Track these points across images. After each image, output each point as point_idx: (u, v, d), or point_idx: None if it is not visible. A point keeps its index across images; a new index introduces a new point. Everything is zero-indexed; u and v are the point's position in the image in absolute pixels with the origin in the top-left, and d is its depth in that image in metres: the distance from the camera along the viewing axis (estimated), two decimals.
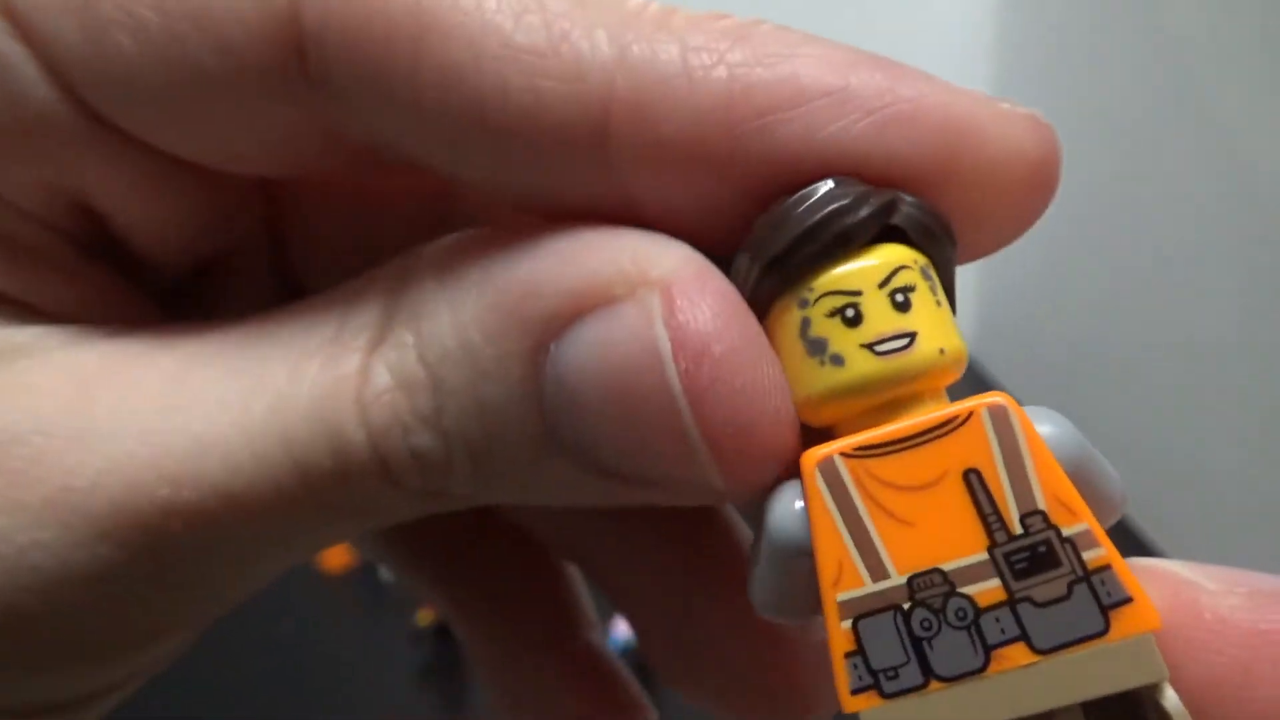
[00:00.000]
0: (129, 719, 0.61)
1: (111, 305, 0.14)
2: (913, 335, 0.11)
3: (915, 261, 0.12)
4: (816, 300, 0.11)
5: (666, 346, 0.11)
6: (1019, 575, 0.11)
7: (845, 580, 0.11)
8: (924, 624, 0.11)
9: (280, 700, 0.63)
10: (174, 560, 0.12)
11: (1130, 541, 0.77)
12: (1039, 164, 0.12)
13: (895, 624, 0.11)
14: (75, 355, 0.13)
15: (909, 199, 0.12)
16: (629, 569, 0.18)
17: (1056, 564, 0.11)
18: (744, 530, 0.18)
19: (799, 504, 0.11)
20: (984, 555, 0.11)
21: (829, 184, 0.11)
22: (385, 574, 0.76)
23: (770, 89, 0.11)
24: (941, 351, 0.12)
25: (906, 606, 0.11)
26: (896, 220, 0.11)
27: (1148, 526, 0.77)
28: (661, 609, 0.17)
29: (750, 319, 0.11)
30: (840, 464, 0.11)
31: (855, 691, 0.11)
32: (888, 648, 0.11)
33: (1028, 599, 0.10)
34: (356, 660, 0.66)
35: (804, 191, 0.11)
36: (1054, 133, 0.12)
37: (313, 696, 0.63)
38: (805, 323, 0.11)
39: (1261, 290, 0.61)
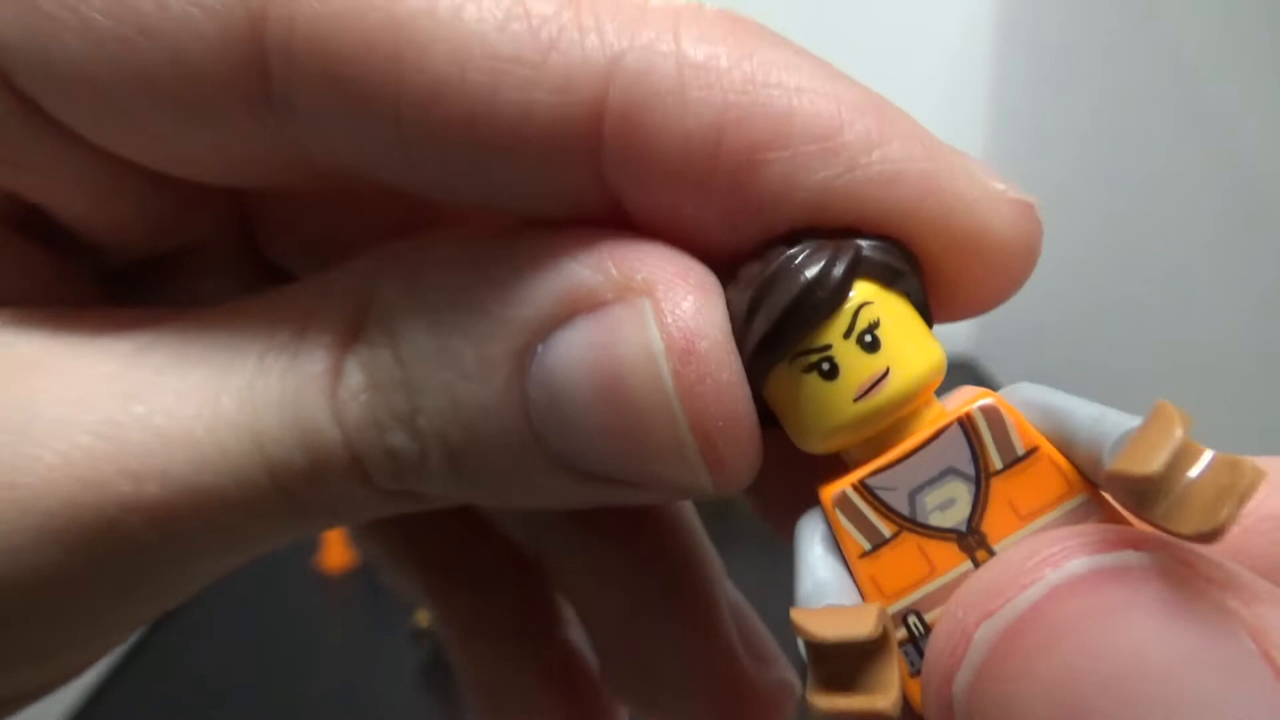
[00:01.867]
0: (128, 718, 0.61)
1: (53, 288, 0.13)
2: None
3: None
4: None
5: (660, 347, 0.11)
6: None
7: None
8: None
9: (280, 700, 0.63)
10: (132, 560, 0.12)
11: None
12: (1017, 251, 0.12)
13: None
14: (12, 341, 0.12)
15: (867, 244, 0.12)
16: (587, 574, 0.17)
17: None
18: (700, 540, 0.18)
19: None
20: None
21: (804, 250, 0.12)
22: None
23: (762, 125, 0.11)
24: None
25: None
26: (861, 272, 0.12)
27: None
28: (616, 620, 0.17)
29: (725, 314, 0.12)
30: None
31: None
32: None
33: None
34: (356, 660, 0.66)
35: (780, 263, 0.12)
36: (1038, 219, 0.12)
37: (313, 696, 0.63)
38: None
39: (1262, 290, 0.61)
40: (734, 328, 0.12)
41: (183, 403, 0.12)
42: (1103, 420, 0.11)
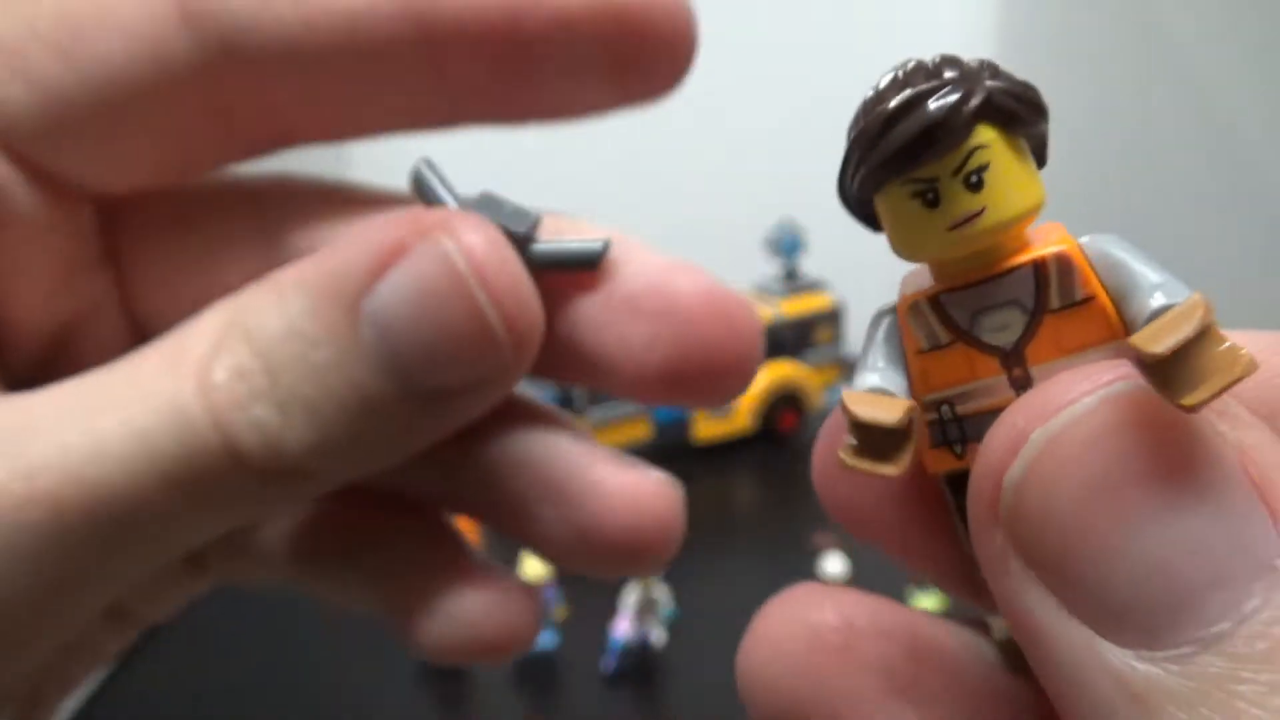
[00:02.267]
0: (128, 718, 0.61)
1: None
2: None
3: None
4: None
5: (465, 265, 0.13)
6: None
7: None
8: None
9: (280, 699, 0.63)
10: (41, 552, 0.12)
11: None
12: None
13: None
14: None
15: (999, 87, 0.14)
16: (469, 486, 0.18)
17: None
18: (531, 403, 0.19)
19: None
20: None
21: (940, 83, 0.13)
22: None
23: None
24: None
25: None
26: (985, 115, 0.13)
27: None
28: (505, 505, 0.17)
29: (506, 243, 0.14)
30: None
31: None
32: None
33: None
34: (356, 660, 0.66)
35: (916, 93, 0.13)
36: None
37: (313, 696, 0.63)
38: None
39: (1262, 290, 0.61)
40: (863, 139, 0.14)
41: (70, 416, 0.13)
42: (1157, 290, 0.14)
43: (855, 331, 1.02)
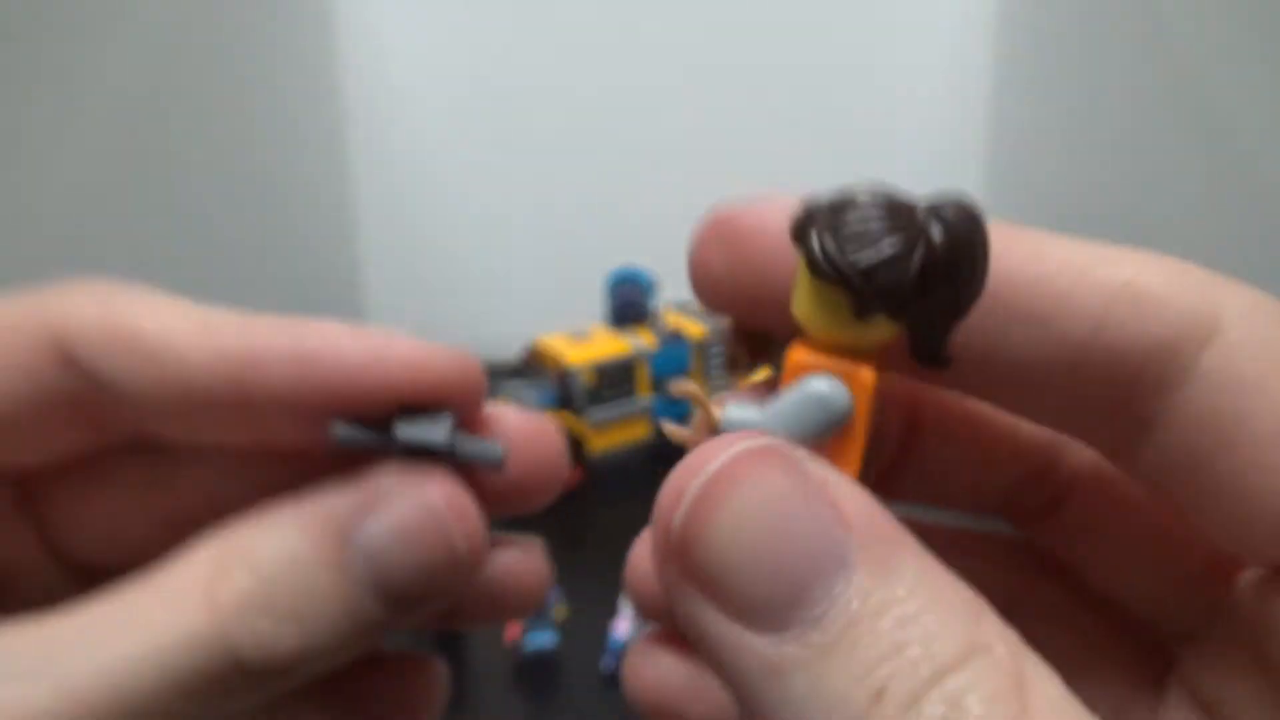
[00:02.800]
0: None
1: None
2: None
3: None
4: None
5: (441, 510, 0.17)
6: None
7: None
8: None
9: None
10: None
11: None
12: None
13: None
14: None
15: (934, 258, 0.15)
16: None
17: None
18: None
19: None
20: None
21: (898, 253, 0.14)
22: None
23: None
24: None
25: None
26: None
27: None
28: None
29: (466, 495, 0.17)
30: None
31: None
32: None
33: None
34: None
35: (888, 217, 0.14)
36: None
37: None
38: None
39: (1264, 288, 0.61)
40: (850, 249, 0.14)
41: (101, 639, 0.15)
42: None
43: None
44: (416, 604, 0.17)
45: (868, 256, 0.13)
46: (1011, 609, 0.16)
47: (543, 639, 0.65)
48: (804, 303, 0.15)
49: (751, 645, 0.13)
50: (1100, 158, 0.83)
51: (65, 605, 0.16)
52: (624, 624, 0.67)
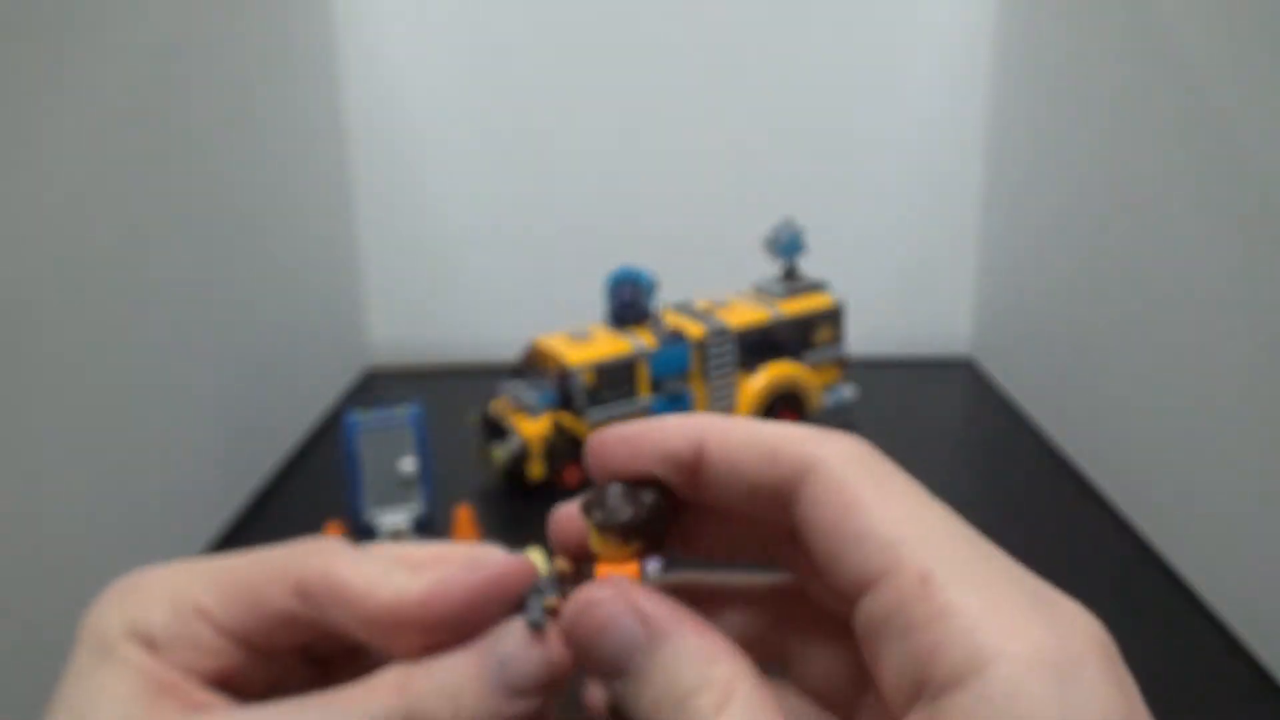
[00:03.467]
0: None
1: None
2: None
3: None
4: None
5: (527, 653, 0.23)
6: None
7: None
8: None
9: None
10: None
11: (1126, 538, 0.77)
12: None
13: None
14: None
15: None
16: None
17: None
18: None
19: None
20: None
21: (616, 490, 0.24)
22: None
23: None
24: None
25: None
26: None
27: (1150, 532, 0.77)
28: None
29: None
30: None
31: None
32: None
33: None
34: None
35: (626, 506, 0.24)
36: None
37: None
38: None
39: (1263, 291, 0.61)
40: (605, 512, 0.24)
41: None
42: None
43: (855, 331, 1.02)
44: (527, 698, 0.23)
45: (615, 518, 0.24)
46: (781, 636, 0.26)
47: None
48: (594, 541, 0.24)
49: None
50: (1100, 159, 0.83)
51: (307, 694, 0.22)
52: None
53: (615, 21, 1.13)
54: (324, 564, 0.23)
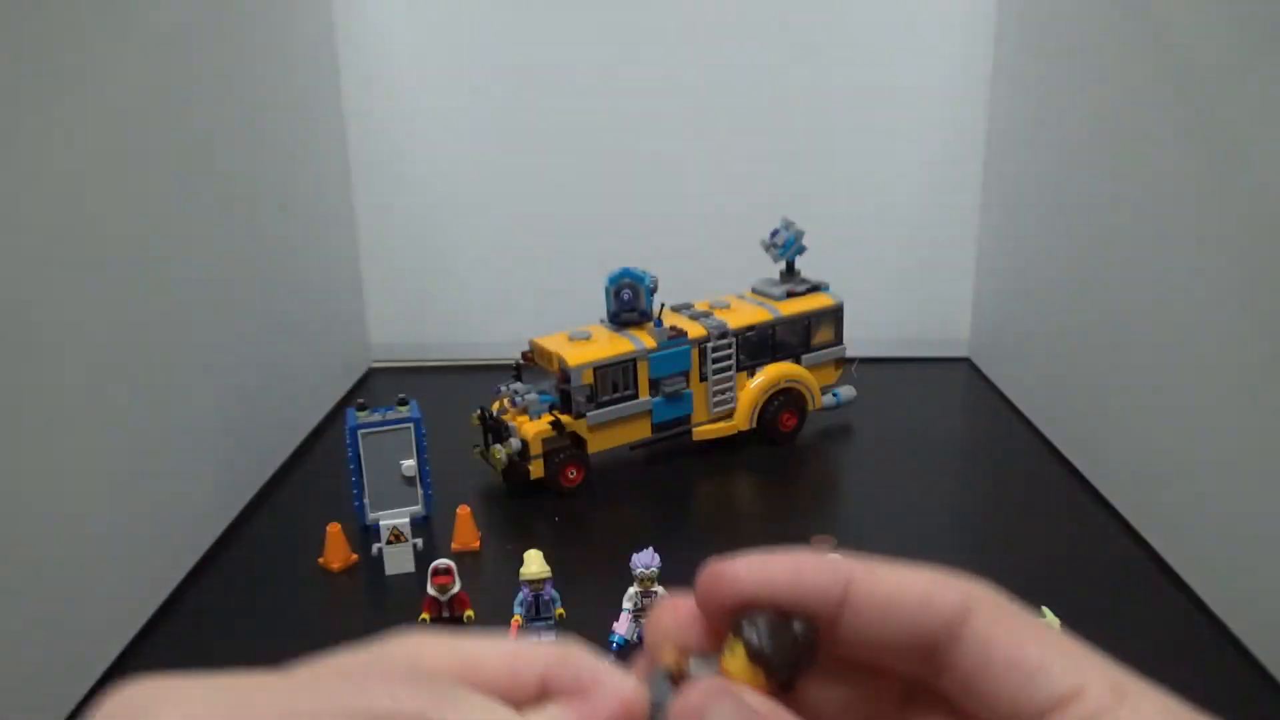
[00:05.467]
0: None
1: None
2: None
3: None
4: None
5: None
6: None
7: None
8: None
9: None
10: None
11: (1121, 534, 0.77)
12: None
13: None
14: None
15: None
16: None
17: None
18: None
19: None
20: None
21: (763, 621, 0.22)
22: (388, 570, 0.76)
23: None
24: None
25: None
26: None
27: (1150, 533, 0.77)
28: None
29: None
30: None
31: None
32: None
33: None
34: None
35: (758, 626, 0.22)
36: None
37: None
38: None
39: (1262, 291, 0.61)
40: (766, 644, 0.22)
41: None
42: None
43: (855, 332, 1.02)
44: None
45: (775, 650, 0.22)
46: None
47: (543, 638, 0.65)
48: (732, 662, 0.23)
49: None
50: (1099, 158, 0.83)
51: None
52: (624, 623, 0.67)
53: (616, 23, 1.13)
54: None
